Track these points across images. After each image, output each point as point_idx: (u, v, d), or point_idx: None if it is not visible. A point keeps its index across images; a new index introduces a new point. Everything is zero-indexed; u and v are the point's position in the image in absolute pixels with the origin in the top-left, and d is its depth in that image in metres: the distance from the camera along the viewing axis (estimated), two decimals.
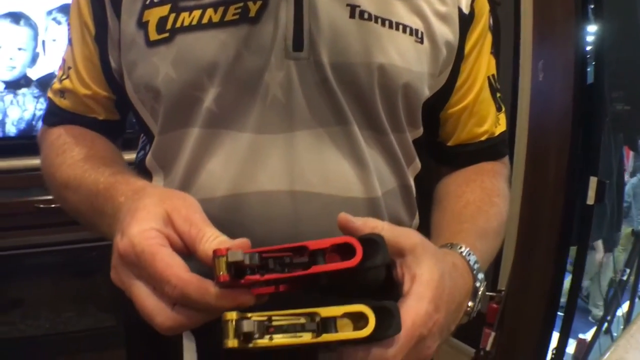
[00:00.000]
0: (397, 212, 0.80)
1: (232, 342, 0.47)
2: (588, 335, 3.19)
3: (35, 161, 2.19)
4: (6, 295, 2.46)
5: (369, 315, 0.49)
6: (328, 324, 0.49)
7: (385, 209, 0.77)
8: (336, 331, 0.49)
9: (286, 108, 0.70)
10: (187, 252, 0.54)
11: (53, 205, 2.26)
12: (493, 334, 2.61)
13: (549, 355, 2.62)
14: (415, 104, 0.77)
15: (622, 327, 2.95)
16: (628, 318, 2.84)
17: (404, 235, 0.57)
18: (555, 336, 2.60)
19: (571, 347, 2.76)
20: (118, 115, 0.85)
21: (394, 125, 0.76)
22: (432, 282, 0.55)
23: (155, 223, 0.53)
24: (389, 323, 0.50)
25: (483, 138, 0.86)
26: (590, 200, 2.27)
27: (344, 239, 0.52)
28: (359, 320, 0.50)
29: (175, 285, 0.49)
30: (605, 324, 2.91)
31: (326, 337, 0.49)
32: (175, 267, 0.50)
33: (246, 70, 0.69)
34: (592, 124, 2.32)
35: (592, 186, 2.26)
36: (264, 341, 0.48)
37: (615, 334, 2.94)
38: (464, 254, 0.66)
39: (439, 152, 0.89)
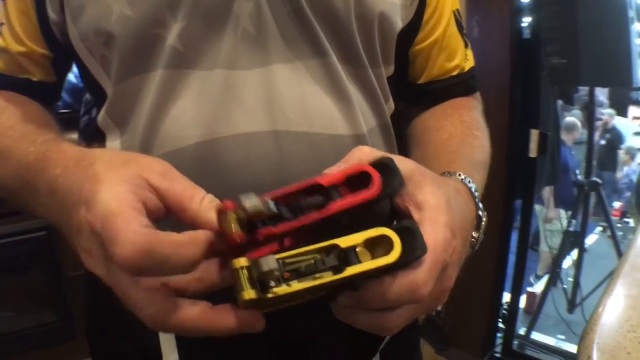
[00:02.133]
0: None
1: (248, 294, 0.39)
2: (536, 289, 3.26)
3: None
4: None
5: (393, 237, 0.43)
6: (349, 256, 0.43)
7: None
8: (359, 262, 0.42)
9: (258, 41, 0.63)
10: (165, 214, 0.46)
11: None
12: None
13: (502, 311, 2.66)
14: (390, 36, 0.72)
15: (571, 279, 3.00)
16: (579, 266, 2.90)
17: (400, 161, 0.50)
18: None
19: (521, 301, 2.79)
20: (54, 77, 0.75)
21: (371, 59, 0.71)
22: (441, 207, 0.49)
23: (130, 185, 0.44)
24: (412, 245, 0.43)
25: (454, 73, 0.82)
26: (533, 152, 2.29)
27: (357, 167, 0.45)
28: (377, 248, 0.43)
29: (132, 242, 0.39)
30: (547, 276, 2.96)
31: (350, 270, 0.42)
32: (135, 224, 0.40)
33: (213, 1, 0.62)
34: (530, 77, 2.33)
35: (534, 138, 2.27)
36: (282, 288, 0.40)
37: (565, 286, 2.99)
38: (464, 181, 0.61)
39: (410, 93, 0.84)
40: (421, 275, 0.45)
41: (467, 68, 0.83)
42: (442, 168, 0.64)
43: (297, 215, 0.44)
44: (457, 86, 0.83)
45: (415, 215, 0.49)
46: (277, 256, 0.41)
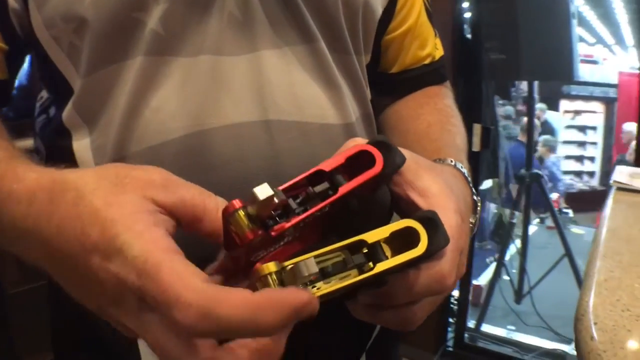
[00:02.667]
0: None
1: None
2: (481, 281, 3.31)
3: None
4: None
5: (419, 229, 0.41)
6: (376, 252, 0.40)
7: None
8: (387, 257, 0.40)
9: (245, 26, 0.60)
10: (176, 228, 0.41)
11: None
12: None
13: (450, 306, 2.69)
14: (372, 24, 0.71)
15: (515, 270, 3.06)
16: (524, 256, 2.96)
17: None
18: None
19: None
20: (6, 73, 0.66)
21: (355, 46, 0.69)
22: (445, 193, 0.48)
23: (146, 215, 0.38)
24: (435, 235, 0.42)
25: (427, 62, 0.81)
26: (476, 147, 2.32)
27: (357, 148, 0.44)
28: (394, 241, 0.41)
29: (190, 303, 0.33)
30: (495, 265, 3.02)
31: (381, 266, 0.40)
32: (187, 277, 0.34)
33: None
34: (472, 73, 2.37)
35: (477, 132, 2.30)
36: (312, 292, 0.37)
37: (507, 277, 3.05)
38: (457, 166, 0.59)
39: (381, 83, 0.81)
40: (446, 266, 0.44)
41: (437, 57, 0.82)
42: (428, 156, 0.62)
43: (306, 206, 0.41)
44: (429, 75, 0.81)
45: (420, 202, 0.47)
46: (304, 257, 0.38)
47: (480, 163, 2.50)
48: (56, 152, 0.65)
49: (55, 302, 0.73)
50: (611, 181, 1.29)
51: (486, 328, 2.84)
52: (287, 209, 0.40)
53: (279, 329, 0.34)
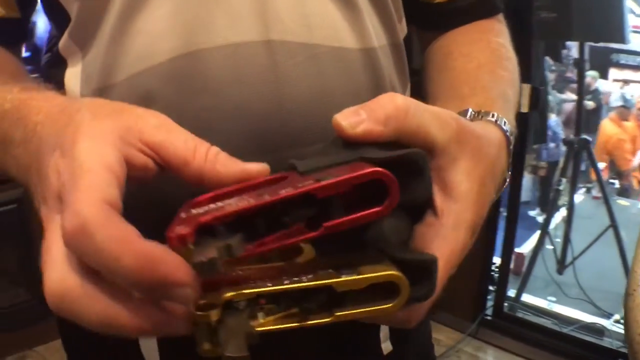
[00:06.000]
0: (391, 75, 0.63)
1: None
2: (523, 249, 3.22)
3: None
4: None
5: (402, 285, 0.35)
6: (343, 299, 0.36)
7: (384, 69, 0.60)
8: (352, 306, 0.36)
9: None
10: (160, 172, 0.39)
11: None
12: None
13: (491, 274, 2.62)
14: None
15: (559, 239, 2.95)
16: (569, 225, 2.85)
17: (439, 123, 0.41)
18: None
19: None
20: (18, 12, 0.63)
21: None
22: (470, 198, 0.42)
23: (114, 137, 0.37)
24: (422, 286, 0.36)
25: None
26: (524, 107, 2.21)
27: (367, 174, 0.34)
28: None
29: (78, 212, 0.32)
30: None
31: (338, 315, 0.36)
32: (96, 192, 0.33)
33: None
34: (520, 31, 2.25)
35: (525, 93, 2.19)
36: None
37: (550, 247, 2.94)
38: (499, 122, 0.51)
39: (424, 15, 0.72)
40: (415, 314, 0.42)
41: None
42: (470, 102, 0.55)
43: (276, 231, 0.34)
44: (482, 4, 0.70)
45: (439, 200, 0.41)
46: (256, 291, 0.34)
47: (529, 127, 2.41)
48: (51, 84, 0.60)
49: None
50: None
51: (526, 298, 2.77)
52: (255, 227, 0.34)
53: (132, 280, 0.32)
